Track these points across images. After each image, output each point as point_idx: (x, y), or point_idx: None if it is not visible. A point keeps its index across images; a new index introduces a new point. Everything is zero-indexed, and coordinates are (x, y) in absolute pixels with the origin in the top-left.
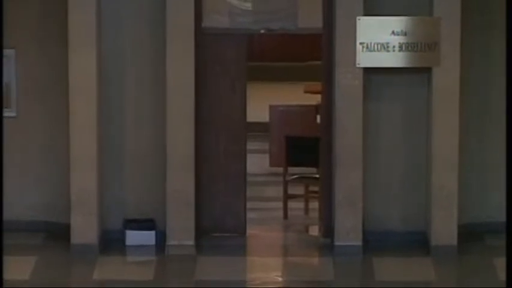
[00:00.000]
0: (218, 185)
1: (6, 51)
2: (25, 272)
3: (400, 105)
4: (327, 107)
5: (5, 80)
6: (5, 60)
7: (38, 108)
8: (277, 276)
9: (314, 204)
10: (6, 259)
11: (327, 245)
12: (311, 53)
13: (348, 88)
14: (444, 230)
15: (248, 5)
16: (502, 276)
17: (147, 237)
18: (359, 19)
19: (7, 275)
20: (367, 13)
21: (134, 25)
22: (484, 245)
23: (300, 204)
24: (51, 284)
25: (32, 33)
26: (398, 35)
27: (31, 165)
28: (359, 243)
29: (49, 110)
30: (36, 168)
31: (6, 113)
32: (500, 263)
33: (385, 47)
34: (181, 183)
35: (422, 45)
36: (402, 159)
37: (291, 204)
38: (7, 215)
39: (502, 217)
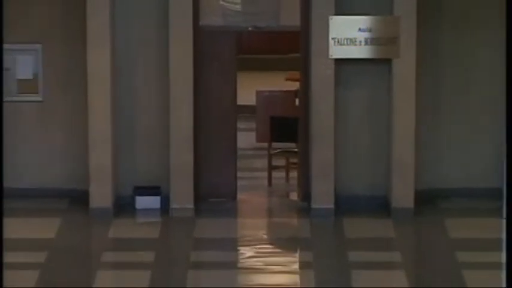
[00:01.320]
0: (213, 158)
1: (35, 46)
2: (51, 232)
3: (366, 90)
4: (305, 92)
5: (33, 70)
6: (32, 53)
7: (61, 94)
8: (263, 234)
9: (294, 174)
10: (36, 221)
11: (304, 208)
12: (291, 47)
13: (322, 76)
14: (402, 195)
15: (238, 7)
16: (451, 234)
17: (154, 201)
18: (331, 18)
19: (36, 235)
20: (338, 13)
21: (142, 25)
22: (436, 208)
23: (282, 174)
24: (73, 241)
25: (56, 31)
26: (364, 31)
27: (56, 142)
28: (331, 206)
29: (70, 96)
30: (60, 144)
31: (34, 98)
32: (450, 223)
33: (353, 41)
34: (182, 156)
35: (384, 40)
36: (367, 136)
37: (274, 174)
38: (38, 183)
39: (451, 184)
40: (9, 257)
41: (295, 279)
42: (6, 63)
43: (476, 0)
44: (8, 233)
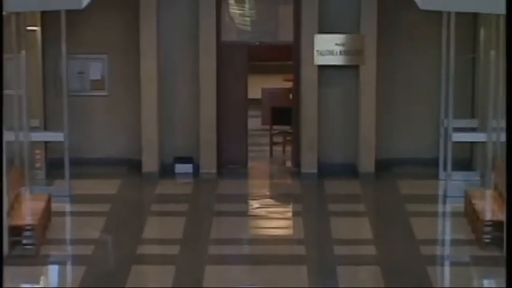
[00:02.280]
0: (230, 136)
1: (102, 56)
2: (114, 189)
3: (340, 88)
4: (296, 89)
5: (101, 73)
6: (100, 61)
7: (121, 90)
8: (266, 191)
9: (288, 148)
10: (103, 181)
11: (296, 172)
12: (286, 56)
13: (308, 78)
14: (366, 163)
15: (248, 27)
16: (402, 191)
17: (188, 168)
18: (316, 36)
19: (103, 191)
20: (321, 32)
21: (179, 39)
22: (390, 173)
23: (280, 148)
24: (129, 196)
25: (117, 45)
26: (339, 45)
27: (118, 125)
28: (315, 171)
29: (128, 91)
30: (120, 126)
31: (102, 93)
32: (400, 183)
33: (331, 52)
34: (208, 135)
35: (353, 51)
36: (341, 120)
37: (275, 148)
38: (105, 154)
39: (402, 155)
40: (85, 208)
41: (289, 223)
42: (81, 68)
43: (417, 23)
44: (84, 190)
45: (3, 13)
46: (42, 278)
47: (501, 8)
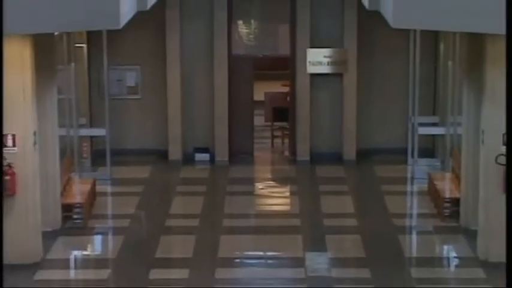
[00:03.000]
0: (239, 130)
1: (136, 67)
2: (146, 174)
3: (328, 92)
4: (292, 93)
5: (135, 81)
6: (134, 71)
7: (152, 94)
8: (268, 175)
9: (286, 140)
10: (136, 168)
11: (292, 160)
12: (284, 66)
13: (302, 84)
14: (349, 151)
15: (253, 43)
16: (378, 174)
17: (205, 156)
18: (308, 50)
19: (137, 176)
20: (312, 46)
21: (198, 53)
22: (369, 159)
23: (279, 140)
24: (158, 179)
25: (148, 58)
26: (326, 57)
27: (148, 121)
28: (308, 158)
29: (156, 95)
30: (151, 123)
31: (136, 97)
32: (377, 168)
33: (320, 63)
34: (221, 129)
35: (338, 62)
36: (329, 117)
37: (275, 140)
38: (138, 145)
39: (377, 145)
40: (123, 189)
41: (287, 200)
42: (119, 77)
43: (389, 38)
44: (121, 175)
45: (55, 33)
46: (89, 246)
47: (460, 26)
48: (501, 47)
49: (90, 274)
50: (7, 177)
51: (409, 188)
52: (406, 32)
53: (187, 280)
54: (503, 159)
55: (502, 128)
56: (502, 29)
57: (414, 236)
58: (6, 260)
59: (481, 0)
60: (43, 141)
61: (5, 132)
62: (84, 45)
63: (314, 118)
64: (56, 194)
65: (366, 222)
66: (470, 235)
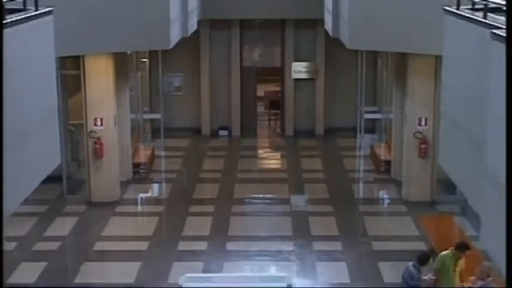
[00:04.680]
0: (248, 115)
1: (180, 74)
2: (186, 143)
3: (305, 90)
4: (282, 91)
5: (180, 83)
6: (178, 77)
7: (190, 92)
8: (266, 144)
9: (278, 122)
10: (180, 140)
11: (282, 135)
12: (277, 73)
13: (288, 85)
14: (319, 129)
15: (257, 58)
16: (338, 144)
17: (225, 132)
18: (293, 63)
19: (180, 145)
20: (295, 60)
21: (220, 64)
22: (332, 135)
23: (273, 122)
24: (194, 147)
25: (187, 68)
26: (304, 68)
27: (188, 109)
28: (292, 134)
29: (193, 92)
30: (190, 110)
31: (180, 93)
32: (337, 141)
33: (300, 72)
34: (235, 114)
35: (312, 71)
36: (306, 107)
37: (271, 122)
38: (181, 125)
39: (338, 125)
40: (171, 153)
41: (278, 161)
42: (169, 80)
43: (345, 55)
44: (170, 144)
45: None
46: (149, 190)
47: (391, 48)
48: (419, 62)
49: (151, 208)
50: (97, 146)
51: (357, 153)
52: (356, 51)
53: (213, 212)
54: (419, 135)
55: (418, 114)
56: (419, 50)
57: (361, 184)
58: (98, 199)
59: (405, 32)
60: (120, 122)
61: (95, 116)
62: (147, 60)
63: (296, 107)
64: (129, 157)
65: (329, 176)
66: (397, 184)
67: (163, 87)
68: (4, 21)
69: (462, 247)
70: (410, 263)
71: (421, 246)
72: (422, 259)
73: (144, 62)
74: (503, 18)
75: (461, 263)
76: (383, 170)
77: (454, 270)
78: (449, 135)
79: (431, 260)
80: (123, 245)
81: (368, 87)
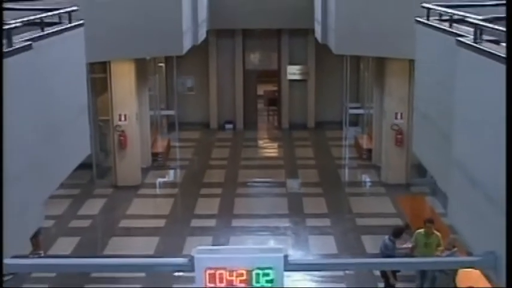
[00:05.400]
0: (250, 111)
1: (191, 76)
2: (197, 135)
3: (299, 89)
4: (278, 90)
5: (191, 84)
6: (190, 79)
7: (200, 91)
8: (265, 135)
9: (275, 116)
10: (191, 132)
11: (279, 128)
12: (275, 75)
13: (284, 85)
14: (310, 123)
15: (257, 62)
16: (327, 135)
17: (230, 126)
18: (288, 66)
19: (192, 136)
20: (290, 64)
21: (226, 67)
22: (322, 127)
23: (271, 117)
24: (204, 138)
25: (198, 71)
26: (298, 70)
27: (199, 106)
28: (288, 127)
29: (203, 92)
30: (200, 107)
31: (192, 93)
32: (326, 132)
33: (294, 73)
34: (239, 110)
35: (304, 73)
36: (299, 104)
37: (269, 117)
38: (192, 120)
39: (326, 119)
40: (185, 144)
41: (276, 150)
42: (182, 82)
43: (333, 59)
44: (184, 136)
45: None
46: (166, 175)
47: (371, 53)
48: (395, 64)
49: (167, 191)
50: (121, 138)
51: (343, 143)
52: (342, 56)
53: (220, 194)
54: (395, 127)
55: (395, 110)
56: (395, 54)
57: (346, 169)
58: (123, 184)
59: (383, 39)
60: (141, 118)
61: (119, 113)
62: (163, 64)
63: (291, 104)
64: (148, 147)
65: (319, 162)
66: (377, 169)
67: (177, 88)
68: (45, 32)
69: (397, 232)
70: (387, 236)
71: (398, 222)
72: (397, 233)
73: (161, 66)
74: (465, 28)
75: (438, 239)
76: (365, 157)
77: (426, 245)
78: (422, 127)
79: (404, 234)
80: (144, 222)
81: (352, 86)
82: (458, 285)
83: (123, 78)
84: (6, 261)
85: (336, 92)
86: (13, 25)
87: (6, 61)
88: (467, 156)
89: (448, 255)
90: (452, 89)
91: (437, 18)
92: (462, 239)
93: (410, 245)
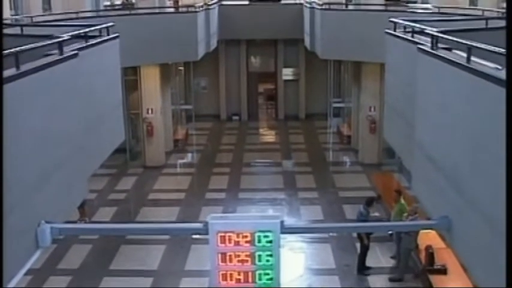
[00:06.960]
0: (252, 105)
1: (204, 78)
2: (209, 125)
3: (292, 87)
4: (275, 88)
5: (205, 84)
6: (205, 79)
7: (212, 89)
8: (265, 125)
9: (273, 109)
10: (204, 123)
11: (276, 119)
12: (272, 76)
13: (280, 84)
14: (302, 114)
15: (258, 65)
16: (315, 125)
17: (237, 117)
18: (283, 69)
19: (205, 126)
20: (285, 66)
21: (233, 70)
22: (311, 118)
23: (270, 109)
24: (215, 128)
25: (210, 73)
26: (291, 72)
27: (211, 101)
28: (283, 118)
29: (215, 90)
30: (212, 102)
31: (205, 91)
32: (315, 122)
33: (288, 74)
34: (243, 105)
35: (296, 74)
36: (293, 99)
37: (268, 110)
38: (205, 112)
39: (315, 111)
40: (200, 132)
41: (274, 137)
42: (198, 82)
43: (319, 62)
44: (198, 126)
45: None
46: (185, 157)
47: (351, 58)
48: (369, 67)
49: (186, 170)
50: (149, 128)
51: (328, 131)
52: (326, 60)
53: (229, 172)
54: (370, 118)
55: (369, 104)
56: (369, 59)
57: (330, 152)
58: (150, 164)
59: (359, 47)
60: (164, 111)
61: (147, 107)
62: (182, 68)
63: (285, 100)
64: (170, 135)
65: (309, 146)
66: (355, 151)
67: (193, 87)
68: (88, 43)
69: (370, 202)
70: (361, 205)
71: (371, 194)
72: (369, 202)
73: (181, 69)
74: (425, 38)
75: (404, 207)
76: (345, 142)
77: (399, 212)
78: (391, 117)
79: (375, 203)
80: (167, 195)
81: (335, 85)
82: (419, 244)
83: (150, 80)
84: (59, 225)
85: (322, 90)
86: (64, 38)
87: (58, 67)
88: (426, 140)
89: (411, 220)
90: (414, 86)
91: (402, 30)
92: (423, 207)
93: (378, 214)
